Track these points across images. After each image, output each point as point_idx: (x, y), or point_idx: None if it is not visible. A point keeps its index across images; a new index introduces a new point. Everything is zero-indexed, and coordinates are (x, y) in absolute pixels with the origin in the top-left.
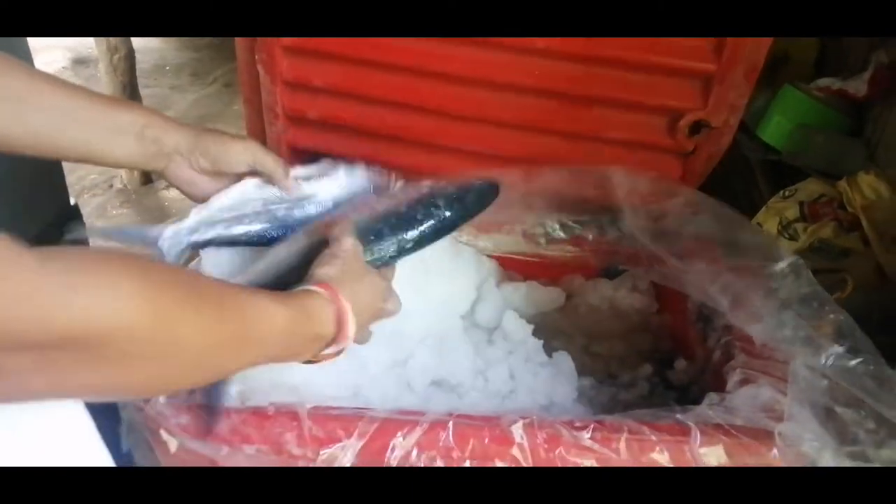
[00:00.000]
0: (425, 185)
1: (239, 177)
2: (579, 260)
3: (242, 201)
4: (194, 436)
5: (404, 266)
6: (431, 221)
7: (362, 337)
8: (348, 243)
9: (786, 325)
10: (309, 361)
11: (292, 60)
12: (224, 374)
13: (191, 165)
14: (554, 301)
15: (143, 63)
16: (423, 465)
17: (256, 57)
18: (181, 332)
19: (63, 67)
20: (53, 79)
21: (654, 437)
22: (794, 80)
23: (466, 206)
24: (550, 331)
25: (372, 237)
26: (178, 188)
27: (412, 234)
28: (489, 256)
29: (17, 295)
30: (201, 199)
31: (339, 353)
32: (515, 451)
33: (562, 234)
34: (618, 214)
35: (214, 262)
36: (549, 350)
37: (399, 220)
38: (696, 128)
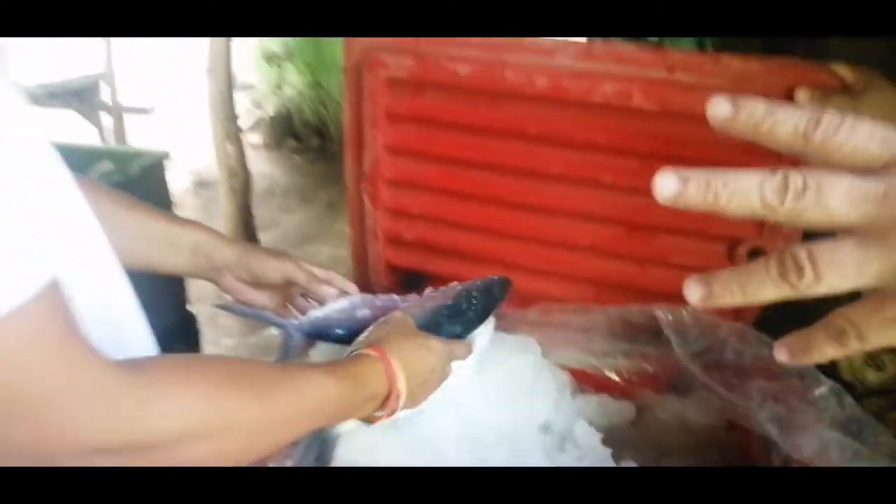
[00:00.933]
0: (456, 285)
1: (279, 286)
2: (649, 376)
3: (351, 308)
4: None
5: (488, 378)
6: (473, 310)
7: (418, 395)
8: (397, 314)
9: (831, 445)
10: (367, 420)
11: (393, 191)
12: (283, 444)
13: (237, 277)
14: (624, 414)
15: (255, 186)
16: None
17: (362, 187)
18: (241, 418)
19: (186, 189)
20: (123, 198)
21: None
22: None
23: (494, 295)
24: (620, 443)
25: (430, 330)
26: (229, 294)
27: (462, 321)
28: (564, 369)
29: (100, 411)
30: (249, 305)
31: (392, 412)
32: None
33: (631, 351)
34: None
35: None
36: (618, 461)
37: (450, 312)
38: (754, 255)
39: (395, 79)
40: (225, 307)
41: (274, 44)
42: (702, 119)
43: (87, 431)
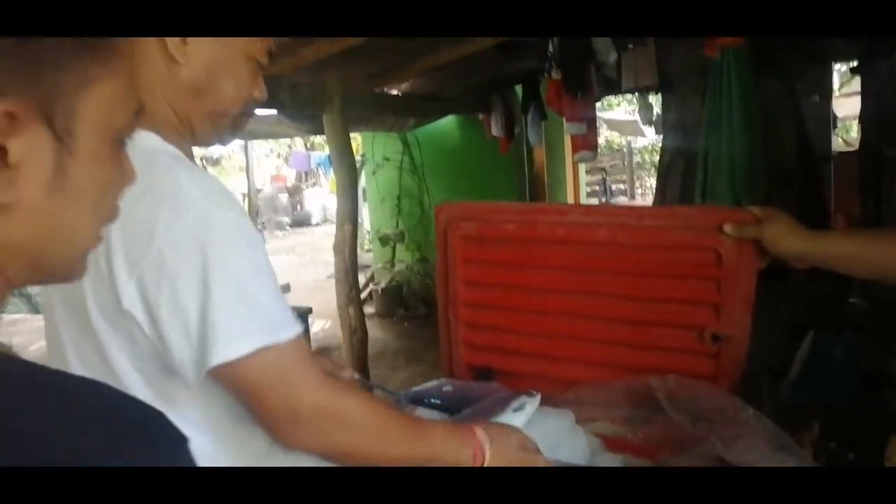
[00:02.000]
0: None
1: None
2: (664, 440)
3: (440, 386)
4: None
5: (532, 436)
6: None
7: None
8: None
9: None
10: None
11: (469, 310)
12: (402, 460)
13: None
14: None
15: (370, 349)
16: None
17: (448, 309)
18: (390, 437)
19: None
20: (375, 402)
21: None
22: None
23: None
24: None
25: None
26: None
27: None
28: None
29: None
30: None
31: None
32: None
33: (646, 417)
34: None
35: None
36: None
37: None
38: (717, 337)
39: (467, 236)
40: (362, 382)
41: (387, 228)
42: (663, 247)
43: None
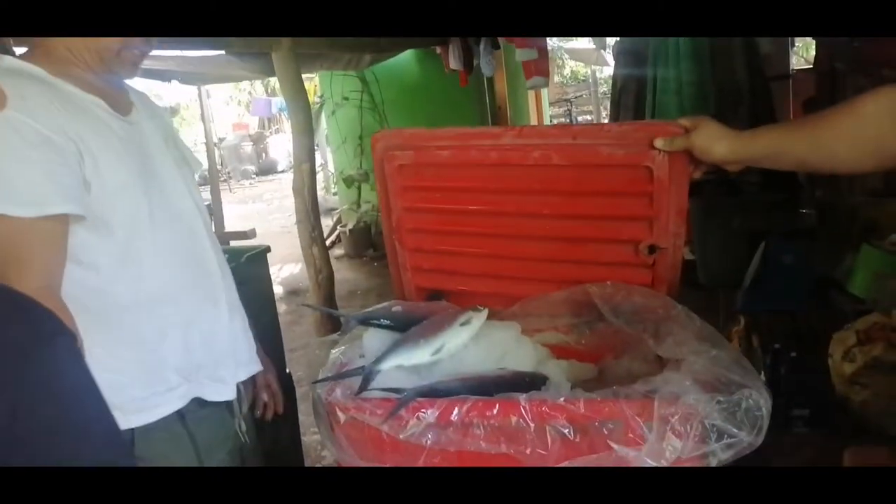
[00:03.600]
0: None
1: None
2: (606, 344)
3: (389, 307)
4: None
5: (479, 348)
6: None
7: None
8: None
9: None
10: None
11: (412, 236)
12: None
13: None
14: (589, 373)
15: (340, 290)
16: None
17: (394, 237)
18: None
19: (279, 298)
20: None
21: None
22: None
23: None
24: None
25: None
26: None
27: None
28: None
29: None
30: None
31: None
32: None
33: (586, 330)
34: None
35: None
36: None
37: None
38: (653, 249)
39: (403, 164)
40: (310, 306)
41: (351, 169)
42: (596, 166)
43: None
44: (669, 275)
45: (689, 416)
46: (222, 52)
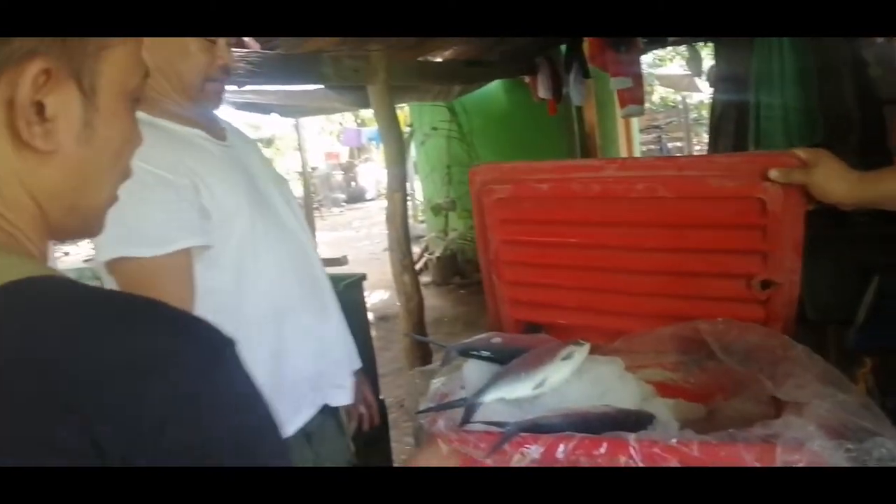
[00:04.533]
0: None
1: None
2: (716, 384)
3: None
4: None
5: (582, 383)
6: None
7: None
8: None
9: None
10: None
11: (510, 269)
12: None
13: None
14: (697, 413)
15: (427, 316)
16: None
17: (490, 270)
18: None
19: (370, 323)
20: None
21: None
22: None
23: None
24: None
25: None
26: None
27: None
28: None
29: None
30: None
31: None
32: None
33: (694, 368)
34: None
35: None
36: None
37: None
38: (766, 284)
39: (501, 198)
40: (416, 336)
41: (438, 197)
42: (704, 198)
43: None
44: (785, 312)
45: (814, 464)
46: (321, 86)
